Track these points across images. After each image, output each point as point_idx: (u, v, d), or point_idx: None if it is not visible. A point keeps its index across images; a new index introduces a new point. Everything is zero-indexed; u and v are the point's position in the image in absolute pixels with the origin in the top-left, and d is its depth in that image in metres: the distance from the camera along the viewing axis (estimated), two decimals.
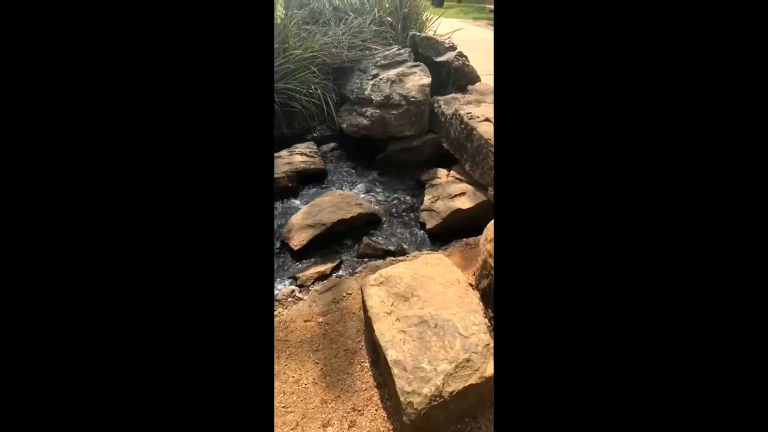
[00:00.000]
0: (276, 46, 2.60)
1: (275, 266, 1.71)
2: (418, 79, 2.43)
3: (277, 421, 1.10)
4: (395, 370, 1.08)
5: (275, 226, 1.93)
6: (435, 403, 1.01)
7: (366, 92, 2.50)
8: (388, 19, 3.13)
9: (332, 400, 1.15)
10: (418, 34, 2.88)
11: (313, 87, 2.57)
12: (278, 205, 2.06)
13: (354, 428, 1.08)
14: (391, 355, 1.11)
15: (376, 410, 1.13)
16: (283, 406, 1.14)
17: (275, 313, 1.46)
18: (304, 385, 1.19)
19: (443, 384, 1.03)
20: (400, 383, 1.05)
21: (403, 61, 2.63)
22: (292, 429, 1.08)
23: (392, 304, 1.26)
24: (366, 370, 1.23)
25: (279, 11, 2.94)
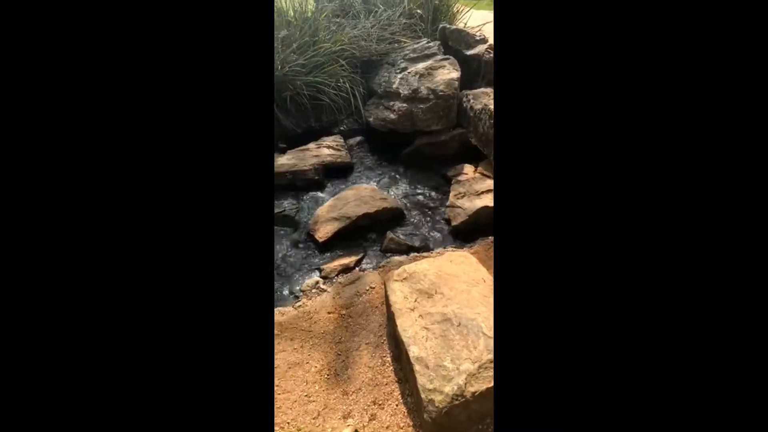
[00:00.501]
0: (306, 39, 2.62)
1: (301, 257, 1.74)
2: (447, 72, 2.39)
3: (300, 409, 1.12)
4: (417, 367, 1.07)
5: (301, 217, 1.95)
6: (457, 402, 1.00)
7: (394, 86, 2.48)
8: (418, 11, 3.07)
9: (353, 392, 1.17)
10: (448, 26, 2.82)
11: (341, 80, 2.57)
12: (305, 197, 2.09)
13: (374, 422, 1.09)
14: (414, 351, 1.11)
15: (397, 405, 1.13)
16: (306, 395, 1.16)
17: (299, 303, 1.49)
18: (326, 376, 1.21)
19: (466, 384, 1.02)
20: (422, 380, 1.05)
21: (433, 55, 2.59)
22: (313, 418, 1.10)
23: (415, 301, 1.25)
24: (387, 364, 1.23)
25: (310, 4, 2.95)
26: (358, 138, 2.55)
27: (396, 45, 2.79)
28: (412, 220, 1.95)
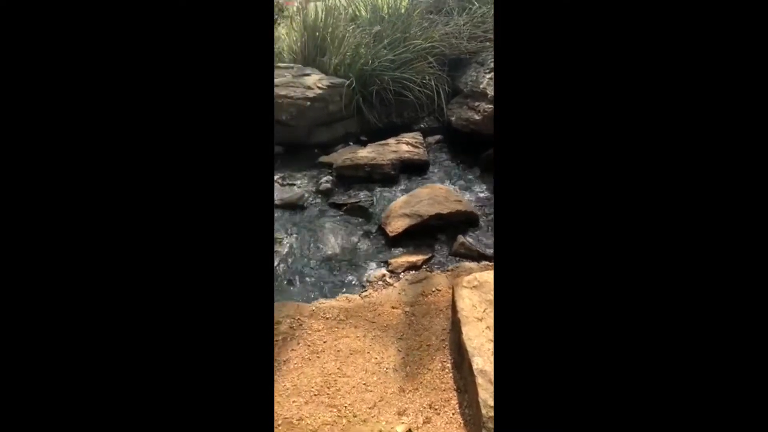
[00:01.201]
0: (398, 35, 2.64)
1: (370, 248, 1.78)
2: None
3: (357, 397, 1.16)
4: (480, 380, 1.03)
5: (375, 210, 2.00)
6: None
7: (481, 86, 2.39)
8: None
9: (410, 391, 1.17)
10: None
11: (427, 77, 2.56)
12: (380, 190, 2.12)
13: (429, 425, 1.08)
14: (477, 363, 1.07)
15: (453, 414, 1.10)
16: (364, 384, 1.19)
17: (365, 293, 1.52)
18: (385, 369, 1.23)
19: None
20: (484, 395, 1.01)
21: None
22: (369, 407, 1.13)
23: (484, 311, 1.20)
24: (447, 370, 1.21)
25: (405, 0, 2.97)
26: (438, 137, 2.52)
27: (488, 44, 2.68)
28: (486, 226, 1.87)
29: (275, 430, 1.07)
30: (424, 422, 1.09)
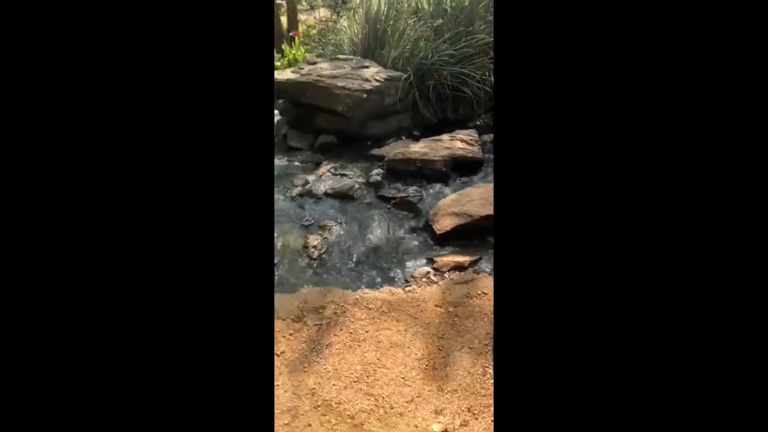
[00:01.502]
0: (460, 29, 2.58)
1: (416, 244, 1.77)
2: None
3: (395, 389, 1.16)
4: None
5: (423, 206, 1.98)
6: None
7: None
8: None
9: (449, 391, 1.15)
10: None
11: (487, 73, 2.48)
12: (430, 186, 2.10)
13: (466, 428, 1.06)
14: None
15: (492, 421, 1.07)
16: (402, 377, 1.20)
17: (409, 288, 1.52)
18: (424, 366, 1.22)
19: None
20: None
21: None
22: (407, 402, 1.13)
23: None
24: (489, 376, 1.18)
25: None
26: (493, 135, 2.44)
27: None
28: None
29: (315, 410, 1.11)
30: (461, 425, 1.07)
